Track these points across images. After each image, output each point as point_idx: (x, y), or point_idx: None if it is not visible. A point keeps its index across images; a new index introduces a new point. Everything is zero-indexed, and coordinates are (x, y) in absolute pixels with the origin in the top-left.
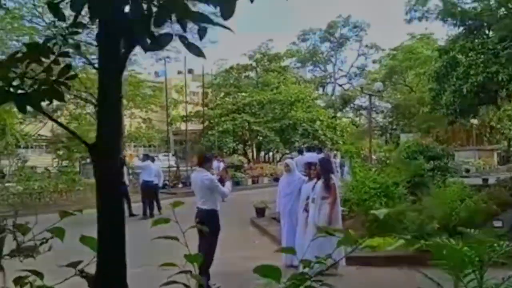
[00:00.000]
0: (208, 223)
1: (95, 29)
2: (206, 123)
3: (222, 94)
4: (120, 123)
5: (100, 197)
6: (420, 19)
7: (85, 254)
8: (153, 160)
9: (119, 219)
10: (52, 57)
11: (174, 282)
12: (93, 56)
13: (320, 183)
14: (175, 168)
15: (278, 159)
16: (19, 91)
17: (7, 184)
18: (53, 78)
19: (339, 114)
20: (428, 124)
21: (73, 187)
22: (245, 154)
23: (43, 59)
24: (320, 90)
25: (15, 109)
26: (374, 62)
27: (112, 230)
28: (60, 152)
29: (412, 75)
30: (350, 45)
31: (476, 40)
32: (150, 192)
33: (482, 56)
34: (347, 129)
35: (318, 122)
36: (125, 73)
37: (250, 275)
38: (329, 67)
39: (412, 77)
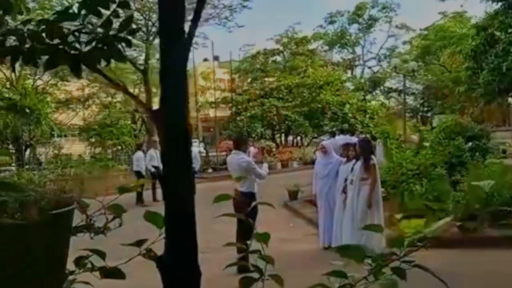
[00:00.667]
0: (246, 205)
1: None
2: (234, 109)
3: (249, 79)
4: (186, 88)
5: (165, 165)
6: None
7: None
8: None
9: (187, 188)
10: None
11: (242, 263)
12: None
13: (359, 164)
14: (204, 154)
15: (306, 143)
16: (73, 52)
17: (44, 171)
18: (113, 33)
19: (368, 97)
20: (461, 105)
21: (107, 173)
22: (273, 139)
23: (102, 11)
24: (349, 73)
25: (49, 99)
26: (404, 43)
27: (181, 202)
28: (93, 140)
29: (446, 54)
30: (380, 26)
31: None
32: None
33: None
34: (377, 112)
35: (347, 105)
36: (153, 60)
37: (289, 257)
38: (358, 49)
39: (446, 57)
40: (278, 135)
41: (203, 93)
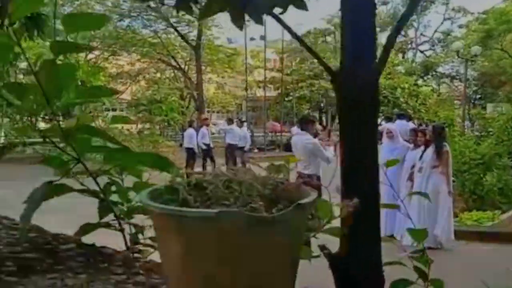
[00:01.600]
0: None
1: None
2: (282, 89)
3: (298, 59)
4: (375, 42)
5: (346, 147)
6: None
7: None
8: (241, 124)
9: (373, 177)
10: None
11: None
12: (174, 20)
13: (430, 151)
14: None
15: None
16: None
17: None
18: None
19: (419, 82)
20: None
21: (156, 149)
22: (320, 122)
23: None
24: (400, 57)
25: (101, 73)
26: (460, 27)
27: (368, 187)
28: (141, 115)
29: (510, 39)
30: (436, 9)
31: None
32: (233, 154)
33: None
34: (429, 98)
35: (399, 90)
36: (202, 37)
37: None
38: (410, 32)
39: (509, 41)
40: (324, 117)
41: (251, 73)
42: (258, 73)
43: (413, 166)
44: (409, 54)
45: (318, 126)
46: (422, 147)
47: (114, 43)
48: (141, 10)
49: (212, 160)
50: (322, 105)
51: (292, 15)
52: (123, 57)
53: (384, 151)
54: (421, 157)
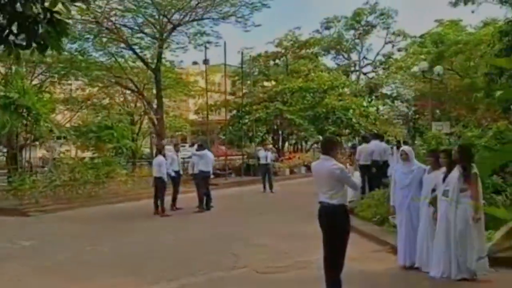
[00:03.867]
0: (339, 221)
1: None
2: (234, 112)
3: (248, 82)
4: None
5: None
6: (466, 1)
7: None
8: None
9: None
10: None
11: None
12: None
13: (455, 173)
14: None
15: (306, 149)
16: None
17: (49, 175)
18: None
19: (364, 103)
20: (457, 112)
21: (115, 178)
22: (274, 144)
23: None
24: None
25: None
26: (399, 50)
27: None
28: (92, 142)
29: (460, 60)
30: (377, 33)
31: None
32: (207, 182)
33: None
34: (379, 118)
35: (351, 110)
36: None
37: (372, 279)
38: (353, 55)
39: (459, 63)
40: (278, 139)
41: (201, 96)
42: (209, 96)
43: (433, 190)
44: (353, 77)
45: (269, 146)
46: (443, 169)
47: (64, 66)
48: (96, 33)
49: (176, 190)
50: (276, 127)
51: (241, 39)
52: (72, 82)
53: (398, 174)
54: (444, 179)
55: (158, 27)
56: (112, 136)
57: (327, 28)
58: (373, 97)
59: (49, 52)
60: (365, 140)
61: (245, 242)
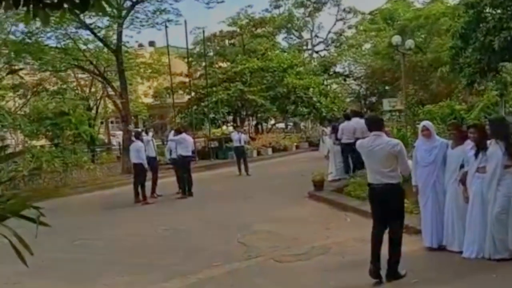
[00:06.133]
0: (399, 200)
1: None
2: (192, 94)
3: (203, 64)
4: None
5: None
6: None
7: None
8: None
9: None
10: None
11: None
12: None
13: (495, 148)
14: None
15: (267, 129)
16: None
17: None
18: None
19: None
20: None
21: (82, 167)
22: (235, 126)
23: None
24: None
25: None
26: (349, 27)
27: None
28: (43, 130)
29: (421, 34)
30: (328, 10)
31: None
32: (188, 168)
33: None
34: (338, 96)
35: (311, 89)
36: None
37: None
38: (304, 34)
39: (421, 38)
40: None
41: (156, 79)
42: (164, 79)
43: (461, 167)
44: (306, 55)
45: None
46: (468, 144)
47: (13, 50)
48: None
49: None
50: (237, 108)
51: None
52: (22, 66)
53: (420, 151)
54: (476, 156)
55: (115, 3)
56: (70, 122)
57: (277, 7)
58: (327, 76)
59: None
60: (347, 117)
61: (247, 229)
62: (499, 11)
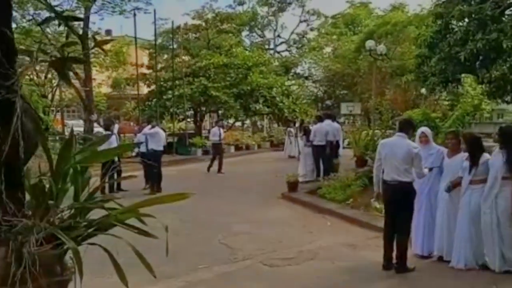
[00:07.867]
0: (410, 198)
1: None
2: (153, 87)
3: (166, 56)
4: None
5: None
6: None
7: None
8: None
9: None
10: None
11: None
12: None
13: (496, 158)
14: None
15: (229, 126)
16: None
17: None
18: None
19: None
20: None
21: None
22: (195, 121)
23: None
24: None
25: None
26: (312, 30)
27: None
28: None
29: (387, 41)
30: (292, 11)
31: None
32: (158, 162)
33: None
34: (300, 97)
35: (274, 89)
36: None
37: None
38: (267, 33)
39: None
40: (199, 116)
41: (116, 69)
42: (123, 70)
43: (457, 177)
44: (267, 55)
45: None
46: (462, 154)
47: None
48: None
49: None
50: (200, 103)
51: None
52: None
53: None
54: (470, 170)
55: None
56: None
57: (240, 3)
58: (290, 77)
59: None
60: (320, 119)
61: (226, 230)
62: (465, 23)
